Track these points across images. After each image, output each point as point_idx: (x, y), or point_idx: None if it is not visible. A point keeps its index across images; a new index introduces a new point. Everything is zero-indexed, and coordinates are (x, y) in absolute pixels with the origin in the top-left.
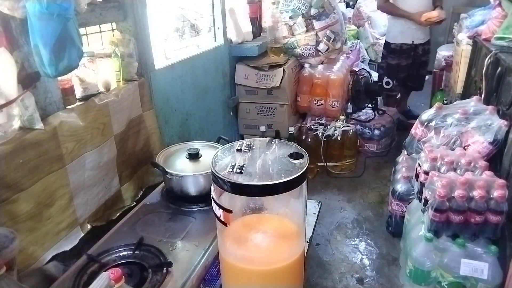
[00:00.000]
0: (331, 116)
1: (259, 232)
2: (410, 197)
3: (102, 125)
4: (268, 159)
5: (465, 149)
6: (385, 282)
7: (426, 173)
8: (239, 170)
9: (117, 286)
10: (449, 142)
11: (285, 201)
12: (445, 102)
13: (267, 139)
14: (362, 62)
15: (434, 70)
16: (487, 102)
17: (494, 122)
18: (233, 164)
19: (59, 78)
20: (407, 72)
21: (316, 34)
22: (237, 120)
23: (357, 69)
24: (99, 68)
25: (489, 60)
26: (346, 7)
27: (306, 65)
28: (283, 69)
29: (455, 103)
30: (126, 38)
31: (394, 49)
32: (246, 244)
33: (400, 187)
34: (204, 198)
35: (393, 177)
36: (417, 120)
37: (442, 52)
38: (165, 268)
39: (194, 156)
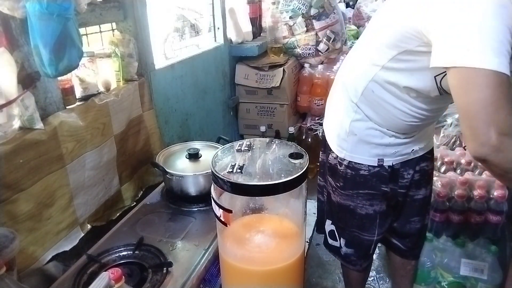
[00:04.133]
0: None
1: (259, 232)
2: None
3: (102, 125)
4: (268, 159)
5: (465, 149)
6: (385, 282)
7: None
8: (239, 170)
9: (117, 286)
10: (449, 142)
11: (285, 201)
12: None
13: (267, 139)
14: None
15: None
16: None
17: None
18: (233, 164)
19: (59, 78)
20: None
21: (316, 34)
22: (237, 120)
23: None
24: (99, 68)
25: None
26: (346, 7)
27: (306, 65)
28: (283, 69)
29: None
30: (126, 38)
31: None
32: (246, 244)
33: None
34: (204, 198)
35: None
36: None
37: None
38: (165, 268)
39: (194, 156)
